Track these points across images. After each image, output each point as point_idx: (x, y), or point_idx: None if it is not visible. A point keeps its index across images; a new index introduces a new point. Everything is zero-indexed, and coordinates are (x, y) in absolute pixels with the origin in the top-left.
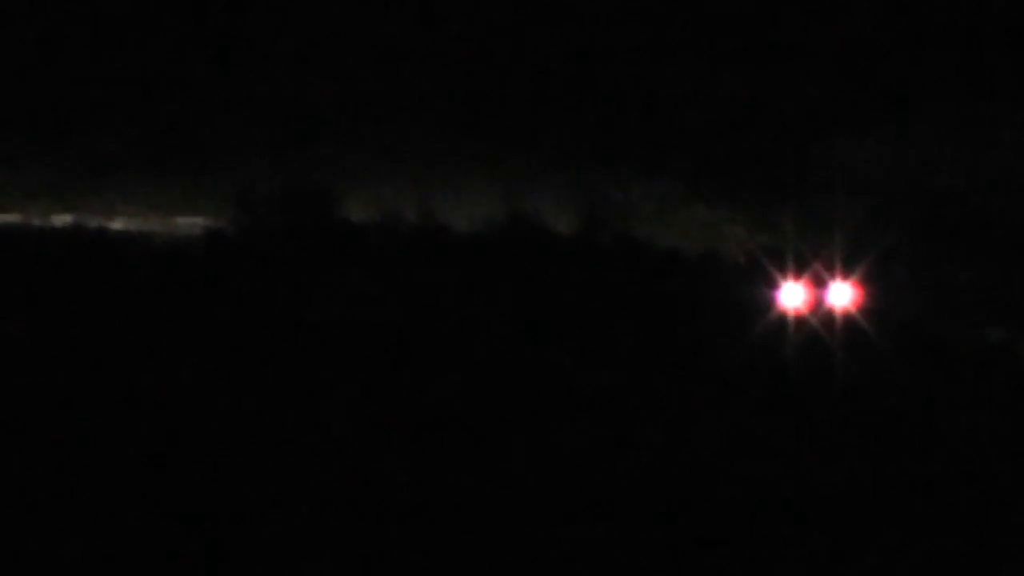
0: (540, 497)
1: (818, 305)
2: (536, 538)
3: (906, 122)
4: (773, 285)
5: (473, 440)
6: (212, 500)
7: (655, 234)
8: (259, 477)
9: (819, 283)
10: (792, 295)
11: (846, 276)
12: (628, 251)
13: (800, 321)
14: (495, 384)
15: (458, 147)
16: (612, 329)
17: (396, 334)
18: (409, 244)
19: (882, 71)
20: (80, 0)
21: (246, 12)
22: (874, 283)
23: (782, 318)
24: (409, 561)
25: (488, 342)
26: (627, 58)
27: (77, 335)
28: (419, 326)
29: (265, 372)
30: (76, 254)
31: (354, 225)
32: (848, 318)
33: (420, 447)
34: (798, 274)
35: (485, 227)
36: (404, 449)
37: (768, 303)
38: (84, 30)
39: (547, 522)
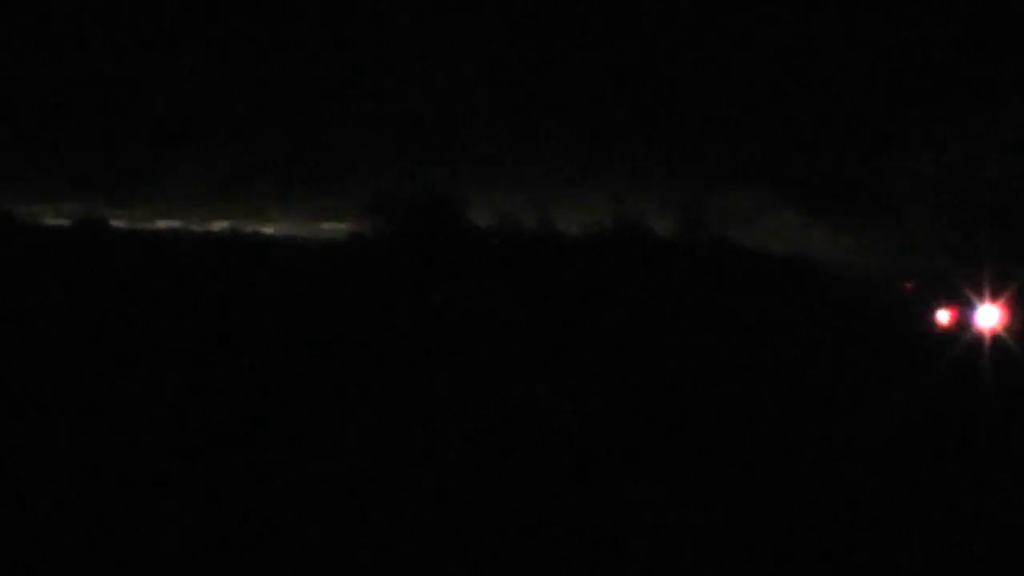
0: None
1: (966, 326)
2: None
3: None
4: (928, 306)
5: (596, 435)
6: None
7: (747, 236)
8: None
9: (967, 305)
10: (944, 316)
11: (994, 298)
12: (729, 254)
13: (949, 339)
14: (614, 378)
15: (570, 158)
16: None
17: (516, 330)
18: (528, 246)
19: (957, 87)
20: (231, 27)
21: (379, 42)
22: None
23: (933, 336)
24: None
25: (602, 338)
26: (722, 78)
27: (231, 328)
28: (535, 322)
29: (401, 360)
30: (232, 256)
31: (480, 229)
32: (996, 338)
33: (543, 437)
34: (949, 296)
35: (595, 230)
36: (533, 439)
37: (919, 322)
38: (240, 54)
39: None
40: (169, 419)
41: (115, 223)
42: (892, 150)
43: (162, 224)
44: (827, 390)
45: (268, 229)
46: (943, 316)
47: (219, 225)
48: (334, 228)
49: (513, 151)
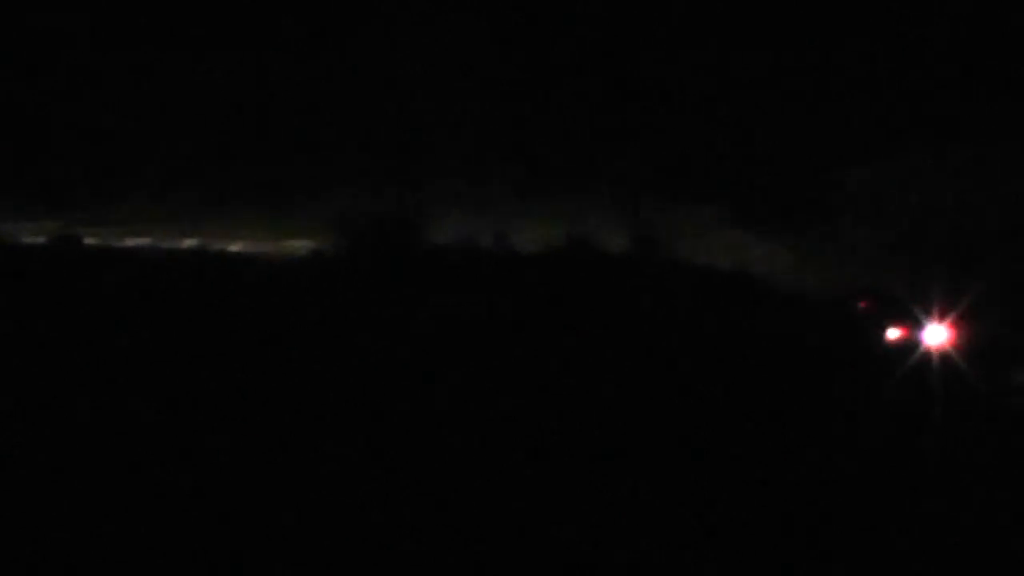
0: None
1: (916, 343)
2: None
3: (911, 155)
4: (880, 324)
5: (542, 444)
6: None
7: (695, 253)
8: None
9: (917, 324)
10: (894, 333)
11: (942, 318)
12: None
13: (898, 355)
14: (565, 390)
15: (525, 179)
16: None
17: (471, 342)
18: (484, 264)
19: (898, 108)
20: (201, 55)
21: (343, 70)
22: (967, 325)
23: (885, 352)
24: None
25: (554, 351)
26: (668, 104)
27: (199, 340)
28: (490, 335)
29: (360, 371)
30: (200, 271)
31: (436, 248)
32: (943, 356)
33: (492, 447)
34: (900, 315)
35: (549, 248)
36: (480, 447)
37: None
38: (209, 81)
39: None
40: (142, 429)
41: (89, 241)
42: (832, 169)
43: (133, 242)
44: (780, 402)
45: (235, 247)
46: (893, 334)
47: (188, 243)
48: (298, 246)
49: (471, 173)
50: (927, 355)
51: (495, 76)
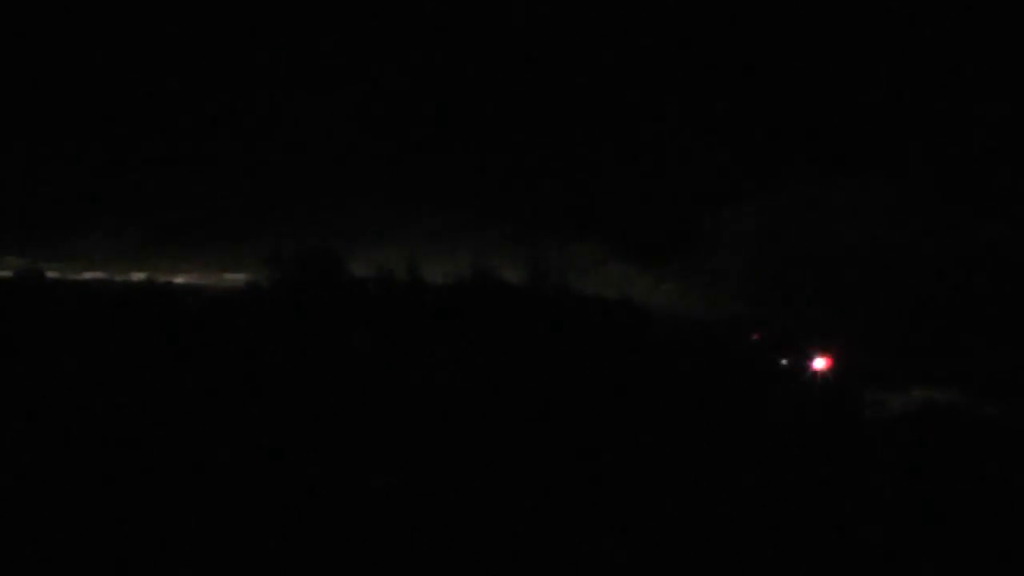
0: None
1: (802, 370)
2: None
3: (777, 194)
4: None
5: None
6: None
7: (584, 284)
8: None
9: (803, 353)
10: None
11: (824, 349)
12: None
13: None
14: (474, 406)
15: (435, 218)
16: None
17: (388, 363)
18: (399, 293)
19: (754, 154)
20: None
21: (267, 127)
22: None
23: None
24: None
25: (462, 371)
26: (558, 155)
27: (148, 361)
28: (405, 357)
29: (293, 384)
30: (148, 302)
31: (356, 279)
32: (824, 380)
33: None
34: (789, 346)
35: (455, 279)
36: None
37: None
38: (155, 134)
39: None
40: (103, 440)
41: (50, 274)
42: (710, 206)
43: (89, 275)
44: (660, 412)
45: (179, 279)
46: (785, 361)
47: (137, 276)
48: (235, 278)
49: (387, 213)
50: (811, 380)
51: (409, 131)
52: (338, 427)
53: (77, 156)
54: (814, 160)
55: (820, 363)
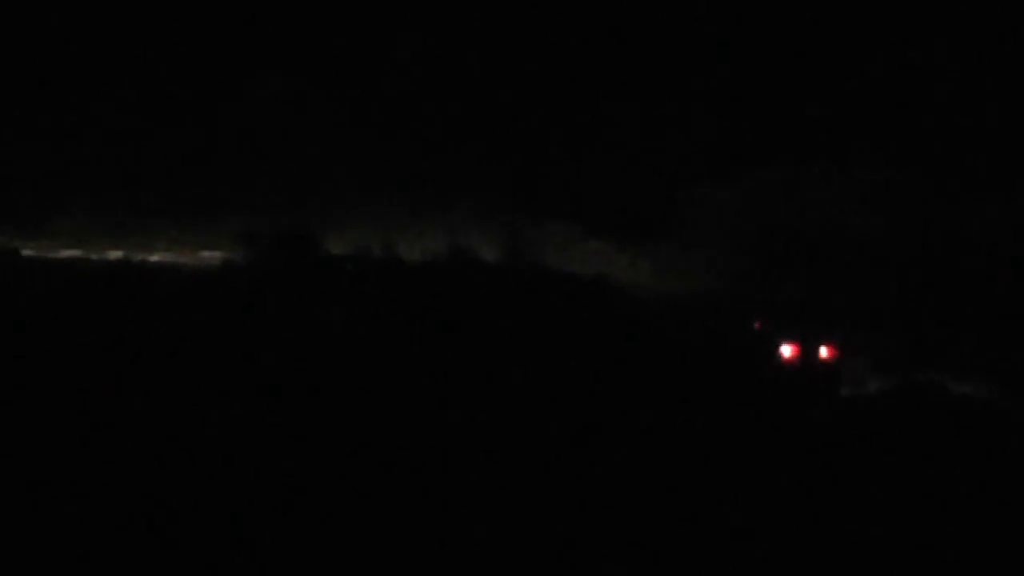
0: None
1: (806, 361)
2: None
3: (750, 176)
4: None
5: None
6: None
7: (560, 263)
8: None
9: (808, 342)
10: (787, 351)
11: (828, 339)
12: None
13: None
14: (452, 392)
15: (412, 196)
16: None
17: (364, 344)
18: (376, 271)
19: (732, 133)
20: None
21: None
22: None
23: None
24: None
25: (439, 350)
26: (535, 132)
27: (124, 340)
28: (383, 338)
29: (268, 366)
30: (125, 281)
31: (333, 256)
32: (829, 372)
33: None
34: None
35: (432, 257)
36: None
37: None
38: (131, 110)
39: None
40: (78, 421)
41: (26, 252)
42: (687, 184)
43: (66, 253)
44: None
45: (155, 257)
46: (786, 351)
47: (114, 254)
48: (211, 256)
49: (363, 190)
50: (815, 372)
51: (386, 110)
52: (316, 405)
53: (52, 134)
54: (793, 139)
55: (825, 352)
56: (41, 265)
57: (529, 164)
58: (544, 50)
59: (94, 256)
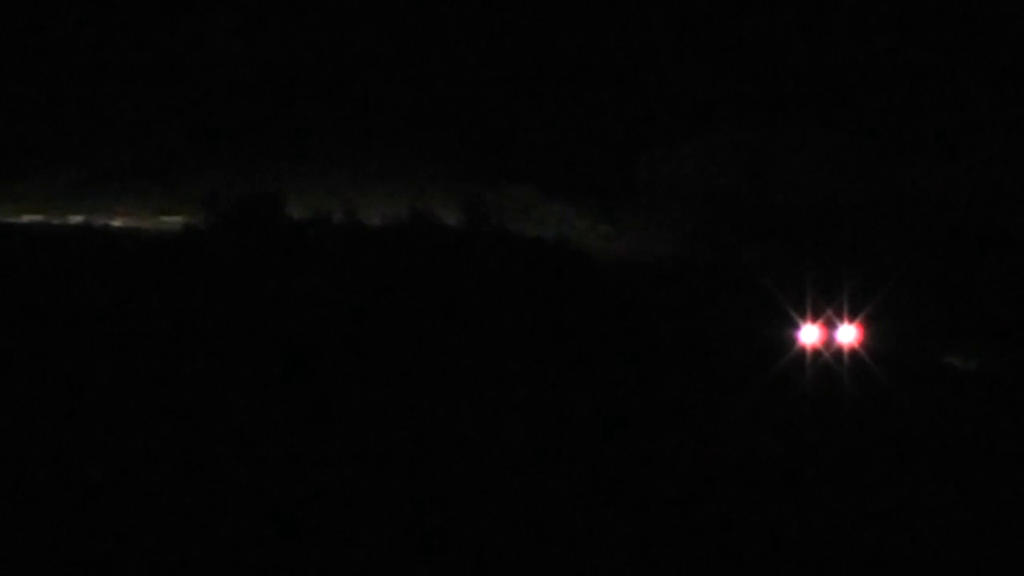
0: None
1: (828, 343)
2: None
3: (710, 140)
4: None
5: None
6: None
7: (522, 227)
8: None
9: (830, 324)
10: (808, 334)
11: (852, 318)
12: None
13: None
14: (416, 360)
15: (373, 161)
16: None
17: (327, 310)
18: (337, 236)
19: (692, 97)
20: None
21: (212, 63)
22: (874, 324)
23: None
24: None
25: (400, 316)
26: (496, 96)
27: (86, 305)
28: (345, 303)
29: (231, 331)
30: (86, 245)
31: (295, 221)
32: (854, 354)
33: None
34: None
35: (393, 222)
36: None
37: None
38: (91, 74)
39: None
40: (39, 388)
41: None
42: (647, 147)
43: (27, 218)
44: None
45: (116, 222)
46: (810, 334)
47: (75, 219)
48: (172, 221)
49: (324, 154)
50: (838, 354)
51: (347, 75)
52: (280, 373)
53: (10, 98)
54: (753, 103)
55: (849, 335)
56: (3, 230)
57: (490, 128)
58: (502, 14)
59: (55, 221)
